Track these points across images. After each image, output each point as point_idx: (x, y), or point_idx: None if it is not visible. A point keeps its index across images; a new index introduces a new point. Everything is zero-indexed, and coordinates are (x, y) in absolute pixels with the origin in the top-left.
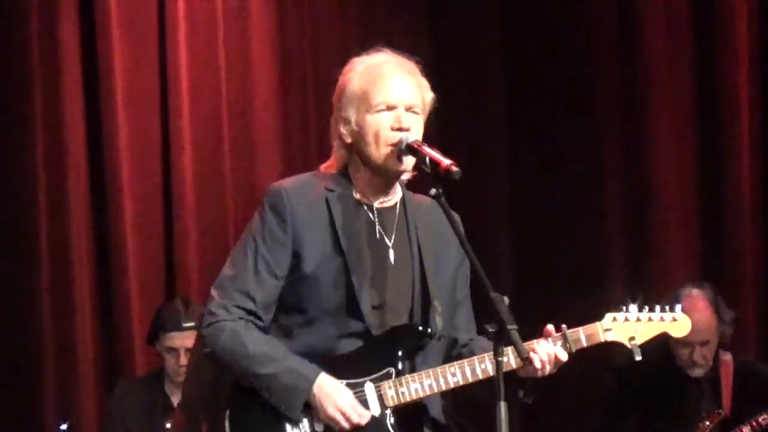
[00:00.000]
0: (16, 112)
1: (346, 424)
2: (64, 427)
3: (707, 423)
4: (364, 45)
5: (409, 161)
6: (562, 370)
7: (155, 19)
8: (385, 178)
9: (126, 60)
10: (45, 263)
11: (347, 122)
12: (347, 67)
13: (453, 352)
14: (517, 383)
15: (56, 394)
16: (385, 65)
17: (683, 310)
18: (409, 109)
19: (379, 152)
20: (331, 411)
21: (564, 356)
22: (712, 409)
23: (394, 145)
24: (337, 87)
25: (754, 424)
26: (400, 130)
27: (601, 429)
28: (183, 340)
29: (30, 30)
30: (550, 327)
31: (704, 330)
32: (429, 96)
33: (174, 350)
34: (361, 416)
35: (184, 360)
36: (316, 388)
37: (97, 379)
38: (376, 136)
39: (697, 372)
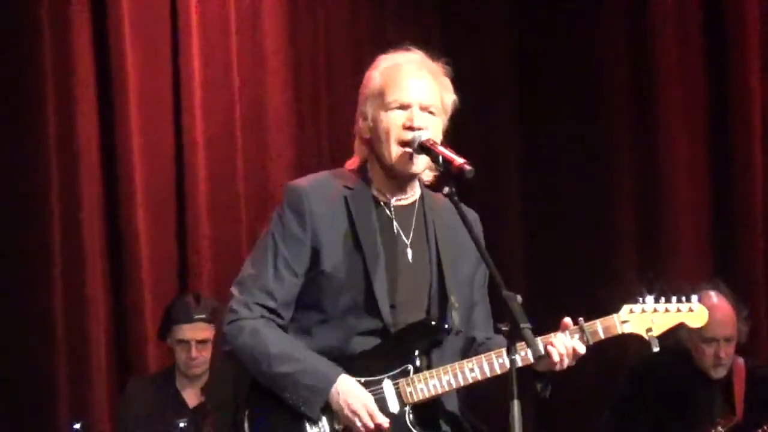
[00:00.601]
0: (29, 113)
1: (363, 430)
2: (77, 426)
3: (720, 427)
4: (376, 41)
5: (422, 162)
6: (577, 367)
7: (168, 19)
8: (398, 176)
9: (139, 60)
10: (58, 264)
11: (365, 118)
12: (374, 64)
13: (470, 350)
14: (534, 377)
15: (69, 393)
16: (407, 64)
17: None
18: (424, 109)
19: (390, 150)
20: (351, 415)
21: (582, 349)
22: (725, 413)
23: (406, 143)
24: (363, 83)
25: (767, 429)
26: (411, 129)
27: (612, 429)
28: (194, 332)
29: (42, 31)
30: (567, 320)
31: (729, 324)
32: (449, 98)
33: (185, 342)
34: (380, 423)
35: (195, 353)
36: (336, 390)
37: (109, 379)
38: (387, 134)
39: (720, 372)
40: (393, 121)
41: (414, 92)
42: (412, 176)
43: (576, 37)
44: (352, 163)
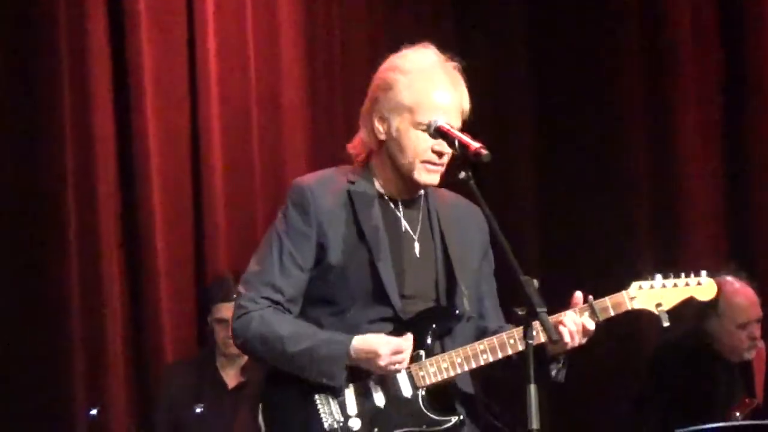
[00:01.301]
0: (45, 103)
1: (401, 359)
2: (93, 412)
3: (740, 410)
4: (391, 33)
5: (435, 178)
6: (593, 353)
7: (183, 8)
8: (411, 184)
9: (155, 50)
10: (74, 254)
11: (384, 121)
12: (393, 63)
13: (483, 339)
14: (549, 361)
15: (86, 380)
16: (435, 77)
17: (731, 294)
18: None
19: (413, 166)
20: (373, 356)
21: (591, 325)
22: (746, 396)
23: (429, 161)
24: (381, 81)
25: (747, 401)
26: (440, 154)
27: (631, 416)
28: (232, 310)
29: (58, 21)
30: (578, 295)
31: (757, 305)
32: (467, 108)
33: (224, 321)
34: (405, 344)
35: None
36: (353, 351)
37: (126, 366)
38: (415, 152)
39: (750, 354)
40: (423, 142)
41: (445, 115)
42: (427, 187)
43: (589, 22)
44: (356, 145)
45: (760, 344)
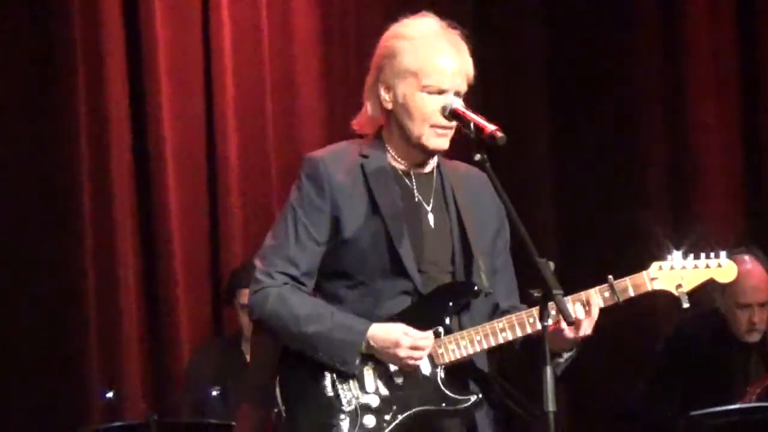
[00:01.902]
0: (59, 87)
1: (419, 356)
2: (109, 395)
3: (755, 388)
4: (407, 14)
5: (447, 141)
6: (609, 336)
7: None
8: (422, 152)
9: (169, 32)
10: (89, 238)
11: (390, 89)
12: (396, 31)
13: (494, 316)
14: (554, 355)
15: (101, 363)
16: (439, 42)
17: (738, 274)
18: (457, 94)
19: (421, 131)
20: (392, 347)
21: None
22: (761, 375)
23: (437, 125)
24: (384, 49)
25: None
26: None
27: (646, 397)
28: None
29: (72, 3)
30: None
31: (763, 290)
32: (472, 74)
33: (247, 306)
34: (425, 342)
35: None
36: (371, 339)
37: (141, 349)
38: (423, 116)
39: (754, 337)
40: (430, 105)
41: (452, 79)
42: (438, 153)
43: (608, 7)
44: (361, 122)
45: (762, 328)
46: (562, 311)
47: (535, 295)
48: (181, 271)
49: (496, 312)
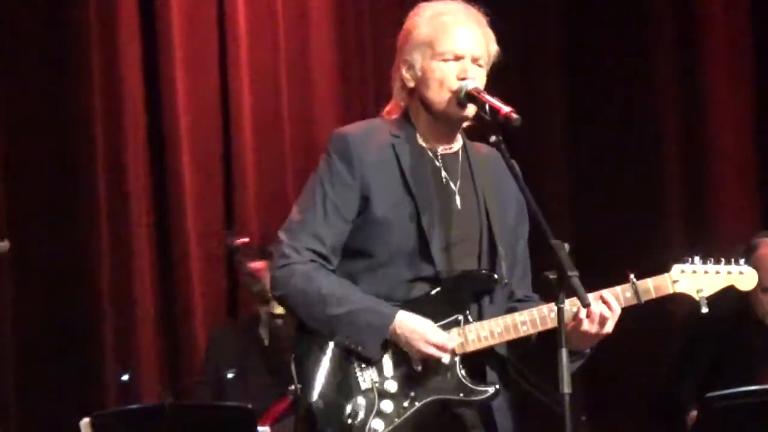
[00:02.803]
0: (74, 70)
1: (440, 355)
2: (124, 378)
3: None
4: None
5: (470, 109)
6: (630, 320)
7: None
8: (446, 123)
9: (184, 16)
10: (104, 217)
11: (410, 66)
12: (414, 11)
13: (509, 304)
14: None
15: (116, 345)
16: (455, 14)
17: (762, 257)
18: (475, 60)
19: (441, 98)
20: (417, 339)
21: (617, 308)
22: None
23: (456, 92)
24: (403, 30)
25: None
26: (464, 80)
27: (667, 386)
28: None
29: None
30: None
31: None
32: (494, 48)
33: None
34: (452, 344)
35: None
36: (396, 327)
37: (156, 331)
38: (441, 84)
39: None
40: (446, 71)
41: (467, 44)
42: (462, 121)
43: None
44: (390, 110)
45: None
46: (577, 293)
47: (551, 276)
48: (195, 252)
49: (510, 299)
